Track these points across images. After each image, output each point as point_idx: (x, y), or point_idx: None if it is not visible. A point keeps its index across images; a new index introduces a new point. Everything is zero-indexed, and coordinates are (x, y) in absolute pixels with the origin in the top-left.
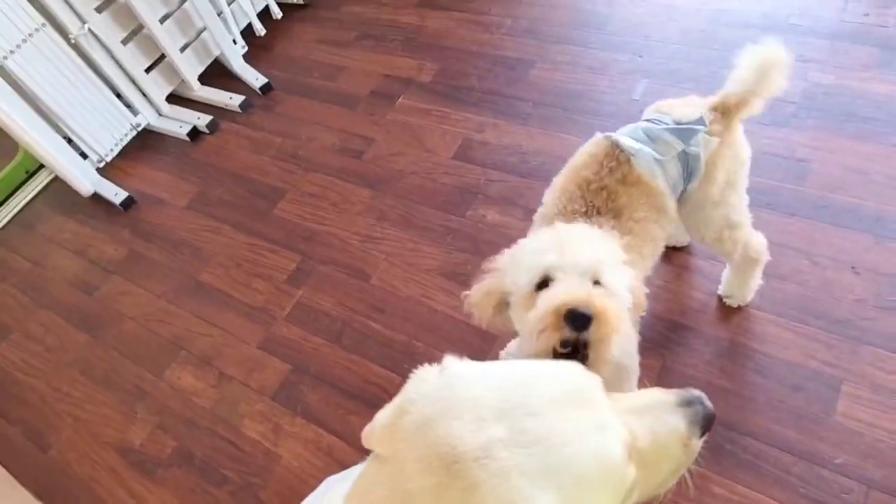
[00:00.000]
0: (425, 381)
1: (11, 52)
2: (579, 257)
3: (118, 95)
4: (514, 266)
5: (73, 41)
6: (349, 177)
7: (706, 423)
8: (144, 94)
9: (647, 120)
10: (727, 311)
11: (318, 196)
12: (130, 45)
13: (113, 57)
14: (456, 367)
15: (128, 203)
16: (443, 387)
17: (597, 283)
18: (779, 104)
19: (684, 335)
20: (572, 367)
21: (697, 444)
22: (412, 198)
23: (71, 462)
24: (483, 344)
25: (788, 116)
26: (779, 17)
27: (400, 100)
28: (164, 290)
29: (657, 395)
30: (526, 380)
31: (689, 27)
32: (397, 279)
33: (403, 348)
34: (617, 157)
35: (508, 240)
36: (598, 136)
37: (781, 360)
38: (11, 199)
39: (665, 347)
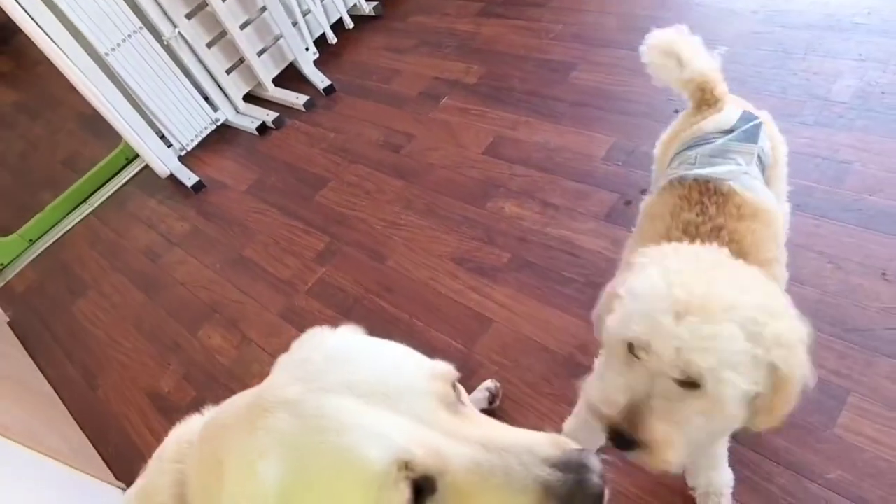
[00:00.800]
0: (314, 336)
1: (113, 49)
2: (676, 338)
3: (202, 93)
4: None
5: (165, 43)
6: (386, 168)
7: (574, 501)
8: (224, 93)
9: (688, 147)
10: None
11: (355, 185)
12: (214, 48)
13: (199, 58)
14: (343, 333)
15: (198, 186)
16: (313, 344)
17: (692, 383)
18: (826, 104)
19: None
20: (421, 368)
21: None
22: (439, 189)
23: (111, 400)
24: (479, 328)
25: (835, 117)
26: (843, 16)
27: (444, 100)
28: (213, 262)
29: (538, 438)
30: (350, 356)
31: (742, 29)
32: (411, 263)
33: (404, 326)
34: (714, 190)
35: (520, 230)
36: (670, 181)
37: None
38: (112, 181)
39: None
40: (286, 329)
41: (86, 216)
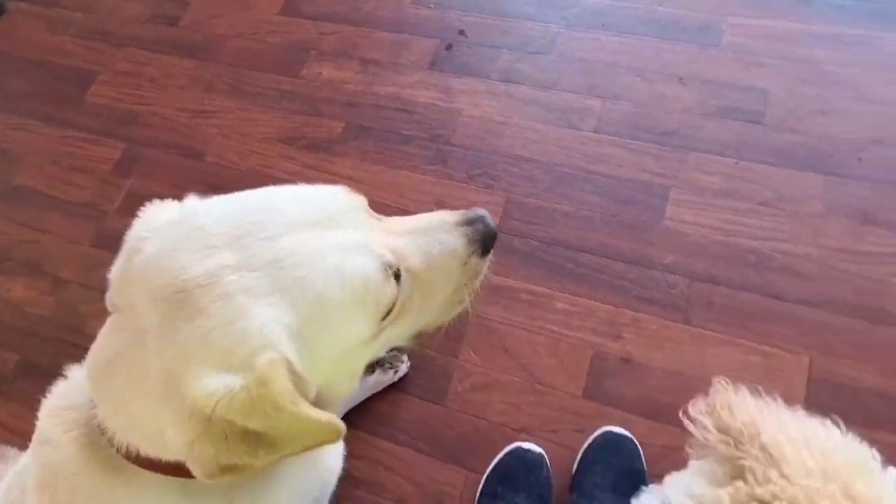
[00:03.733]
0: (155, 218)
1: None
2: None
3: None
4: None
5: None
6: (166, 48)
7: (486, 241)
8: None
9: None
10: (565, 139)
11: (133, 74)
12: None
13: None
14: (193, 203)
15: None
16: (175, 222)
17: None
18: None
19: (526, 167)
20: (333, 190)
21: (479, 263)
22: (240, 63)
23: None
24: None
25: None
26: None
27: None
28: None
29: (440, 215)
30: (269, 205)
31: None
32: (234, 153)
33: None
34: None
35: (346, 94)
36: None
37: (615, 177)
38: None
39: (509, 182)
40: (108, 257)
41: None
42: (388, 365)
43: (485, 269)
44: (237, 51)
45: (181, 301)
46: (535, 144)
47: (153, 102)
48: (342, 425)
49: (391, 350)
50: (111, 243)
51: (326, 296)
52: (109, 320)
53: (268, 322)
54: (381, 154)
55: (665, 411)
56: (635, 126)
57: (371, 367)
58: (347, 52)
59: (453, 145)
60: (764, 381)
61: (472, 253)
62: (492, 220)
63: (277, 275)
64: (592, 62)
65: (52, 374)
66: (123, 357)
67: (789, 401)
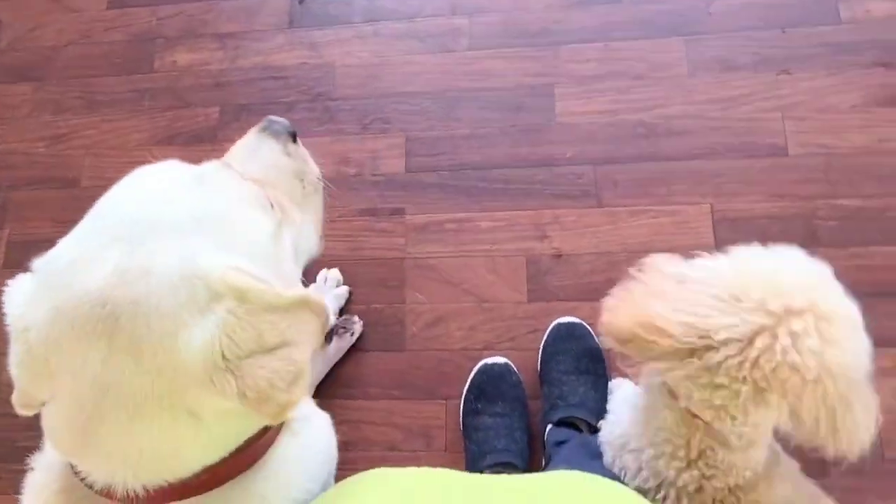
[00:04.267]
0: (24, 290)
1: None
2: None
3: None
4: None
5: None
6: None
7: (286, 128)
8: None
9: None
10: (444, 64)
11: None
12: None
13: None
14: (42, 260)
15: None
16: (42, 276)
17: None
18: None
19: (415, 102)
20: (155, 165)
21: (298, 148)
22: (83, 73)
23: None
24: None
25: None
26: None
27: None
28: None
29: (241, 140)
30: (112, 203)
31: None
32: (110, 169)
33: None
34: None
35: (211, 77)
36: None
37: (501, 88)
38: None
39: (403, 121)
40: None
41: None
42: (342, 329)
43: (306, 152)
44: (75, 60)
45: (111, 312)
46: (418, 77)
47: (0, 141)
48: (320, 295)
49: (341, 315)
50: None
51: (216, 209)
52: (46, 407)
53: (193, 255)
54: None
55: (602, 289)
56: (506, 34)
57: (328, 337)
58: (196, 32)
59: (337, 99)
60: (678, 235)
61: (285, 142)
62: (280, 118)
63: (166, 228)
64: None
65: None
66: (100, 412)
67: (702, 246)
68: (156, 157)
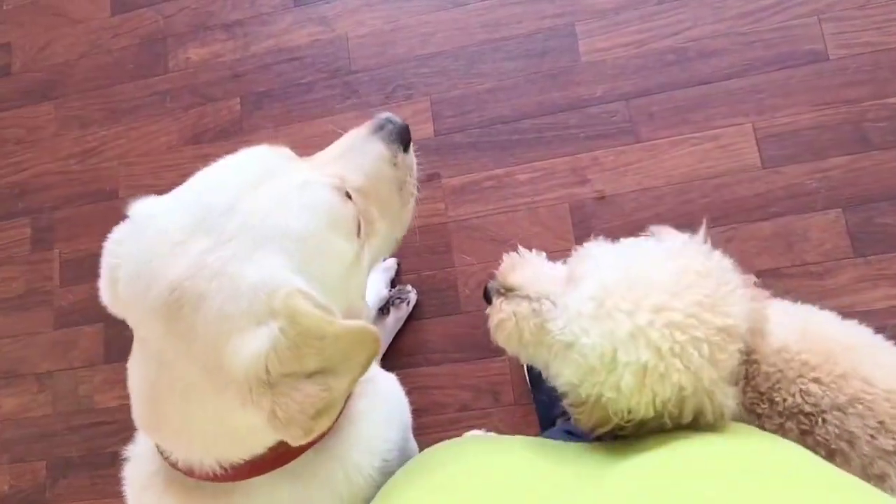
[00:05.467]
0: (119, 242)
1: None
2: None
3: None
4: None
5: None
6: (15, 101)
7: (402, 136)
8: None
9: None
10: (459, 20)
11: None
12: None
13: None
14: (140, 209)
15: None
16: (134, 237)
17: None
18: None
19: (435, 63)
20: (256, 150)
21: (406, 157)
22: (101, 83)
23: None
24: None
25: None
26: None
27: None
28: None
29: (353, 133)
30: (211, 184)
31: None
32: (146, 176)
33: None
34: None
35: (226, 68)
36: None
37: (520, 35)
38: None
39: (426, 84)
40: (78, 332)
41: None
42: (398, 300)
43: (413, 161)
44: (91, 71)
45: (178, 299)
46: (433, 37)
47: (33, 163)
48: (375, 329)
49: (394, 287)
50: (73, 317)
51: (304, 230)
52: (130, 361)
53: (267, 270)
54: (292, 111)
55: (651, 223)
56: None
57: (385, 309)
58: (205, 24)
59: (356, 72)
60: (722, 160)
61: (396, 151)
62: (398, 117)
63: (252, 234)
64: None
65: (91, 459)
66: (158, 385)
67: (748, 167)
68: (189, 158)
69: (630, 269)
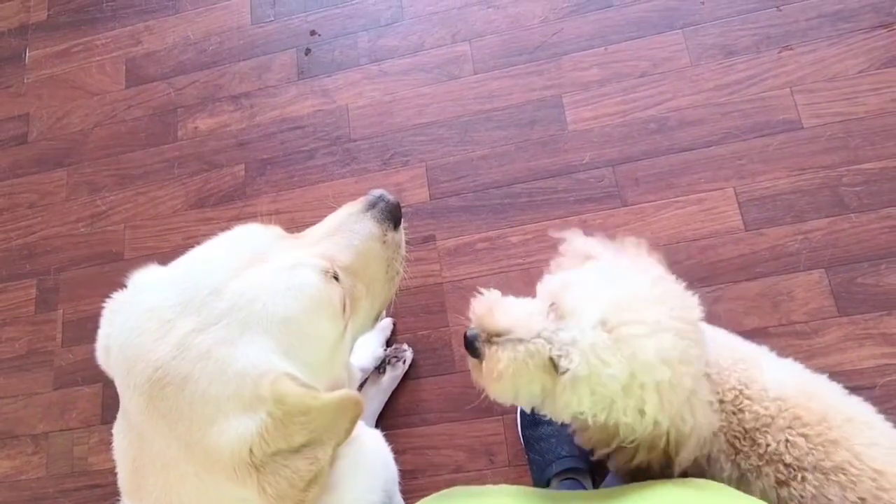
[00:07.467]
0: (114, 311)
1: None
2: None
3: None
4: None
5: None
6: (30, 168)
7: (394, 213)
8: None
9: None
10: (453, 91)
11: (8, 208)
12: None
13: None
14: (139, 279)
15: None
16: (127, 308)
17: None
18: None
19: (430, 132)
20: (248, 229)
21: (396, 234)
22: (113, 151)
23: None
24: None
25: None
26: None
27: (27, 54)
28: None
29: (345, 209)
30: (201, 263)
31: None
32: (151, 239)
33: None
34: None
35: (232, 136)
36: None
37: (510, 106)
38: None
39: (424, 153)
40: (77, 393)
41: None
42: (394, 359)
43: (403, 239)
44: (104, 140)
45: (161, 378)
46: (429, 107)
47: (43, 226)
48: (357, 393)
49: (390, 346)
50: (74, 377)
51: (289, 314)
52: (116, 427)
53: (253, 356)
54: (293, 178)
55: None
56: (507, 53)
57: (381, 368)
58: (213, 97)
59: (355, 140)
60: (706, 223)
61: (387, 229)
62: (390, 195)
63: (238, 317)
64: (445, 11)
65: None
66: (140, 458)
67: (732, 229)
68: (193, 222)
69: (619, 292)
